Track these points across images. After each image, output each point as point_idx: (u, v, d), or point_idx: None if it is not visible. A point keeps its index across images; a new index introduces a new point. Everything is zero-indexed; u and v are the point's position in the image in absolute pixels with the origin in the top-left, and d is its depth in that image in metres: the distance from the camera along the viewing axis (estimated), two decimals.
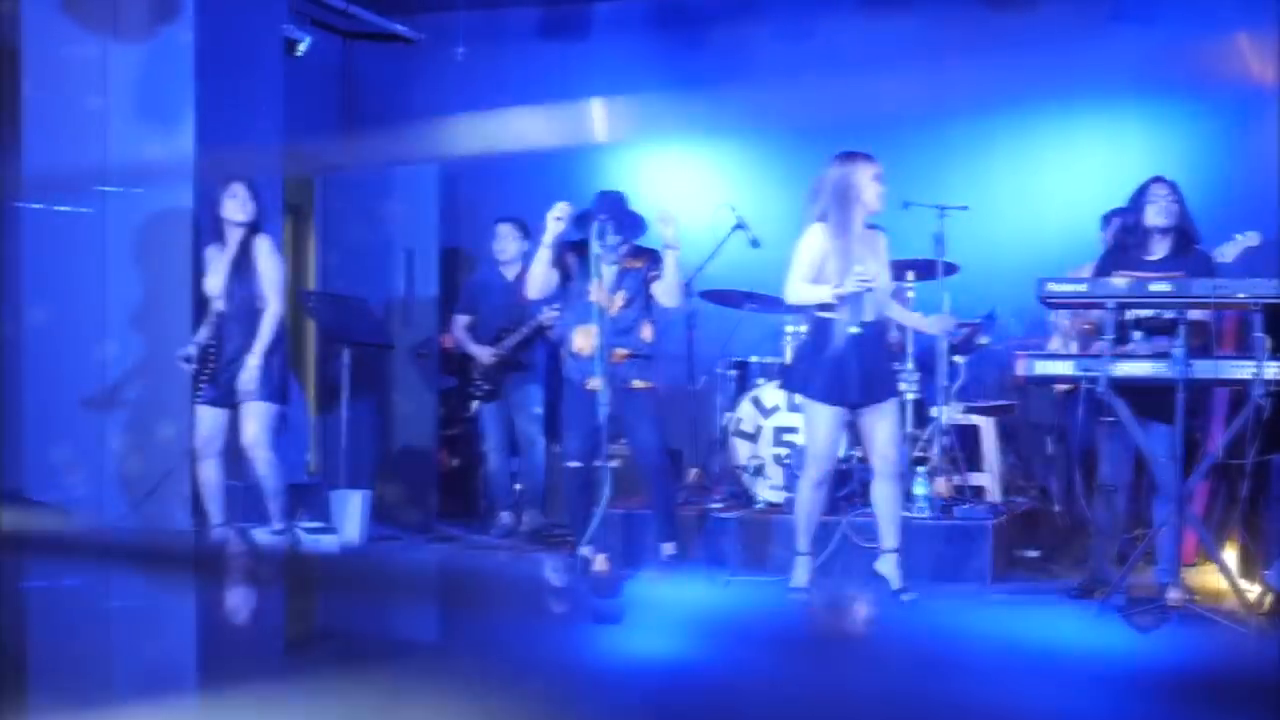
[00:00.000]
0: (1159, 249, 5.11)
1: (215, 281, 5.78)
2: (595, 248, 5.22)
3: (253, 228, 5.79)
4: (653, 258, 5.43)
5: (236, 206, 5.75)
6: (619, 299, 5.36)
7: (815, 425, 5.09)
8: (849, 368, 4.99)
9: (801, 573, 5.14)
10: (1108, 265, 5.17)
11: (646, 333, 5.47)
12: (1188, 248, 5.10)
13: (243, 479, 6.00)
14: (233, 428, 5.81)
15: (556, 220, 5.24)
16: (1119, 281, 4.88)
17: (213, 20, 6.32)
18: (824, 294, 4.99)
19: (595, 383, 5.19)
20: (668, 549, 5.42)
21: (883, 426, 5.05)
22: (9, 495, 6.39)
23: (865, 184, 5.02)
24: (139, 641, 4.52)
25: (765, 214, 6.99)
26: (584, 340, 5.34)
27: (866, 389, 5.01)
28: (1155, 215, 5.06)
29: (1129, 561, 5.09)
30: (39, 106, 6.41)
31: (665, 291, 5.38)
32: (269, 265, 5.77)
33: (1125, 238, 5.19)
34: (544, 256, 5.30)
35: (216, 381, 5.75)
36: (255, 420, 5.70)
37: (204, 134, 6.24)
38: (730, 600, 5.46)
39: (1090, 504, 6.27)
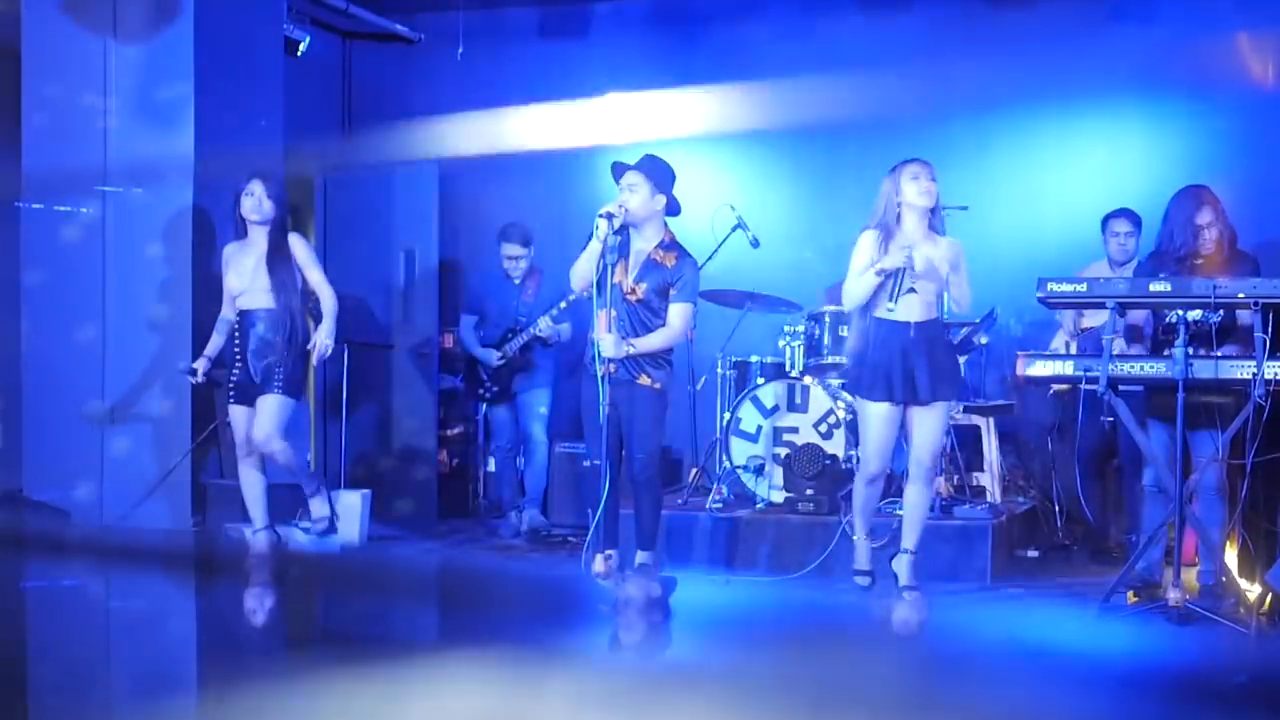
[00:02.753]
0: (1207, 259, 5.08)
1: (240, 281, 5.72)
2: (606, 231, 5.05)
3: (280, 226, 5.74)
4: (680, 266, 5.22)
5: (252, 205, 5.69)
6: (640, 289, 5.24)
7: (866, 423, 5.20)
8: (898, 365, 5.06)
9: (862, 556, 5.35)
10: (1151, 267, 5.16)
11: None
12: (1235, 253, 5.10)
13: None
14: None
15: (607, 217, 5.04)
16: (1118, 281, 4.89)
17: (213, 20, 6.32)
18: (869, 276, 5.03)
19: (610, 366, 5.12)
20: (642, 558, 5.29)
21: (922, 429, 5.12)
22: (9, 495, 6.39)
23: (905, 183, 5.08)
24: (139, 642, 4.52)
25: (765, 214, 7.00)
26: (603, 323, 5.10)
27: (912, 388, 5.06)
28: (1206, 246, 5.06)
29: (1130, 561, 5.09)
30: (39, 106, 6.41)
31: (661, 332, 5.24)
32: (310, 260, 5.78)
33: (1173, 266, 5.10)
34: (593, 252, 5.09)
35: (248, 378, 5.69)
36: (269, 413, 5.66)
37: (204, 134, 6.24)
38: (730, 600, 5.46)
39: (1090, 503, 6.30)
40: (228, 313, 5.81)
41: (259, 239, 5.72)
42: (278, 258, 5.70)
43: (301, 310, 5.77)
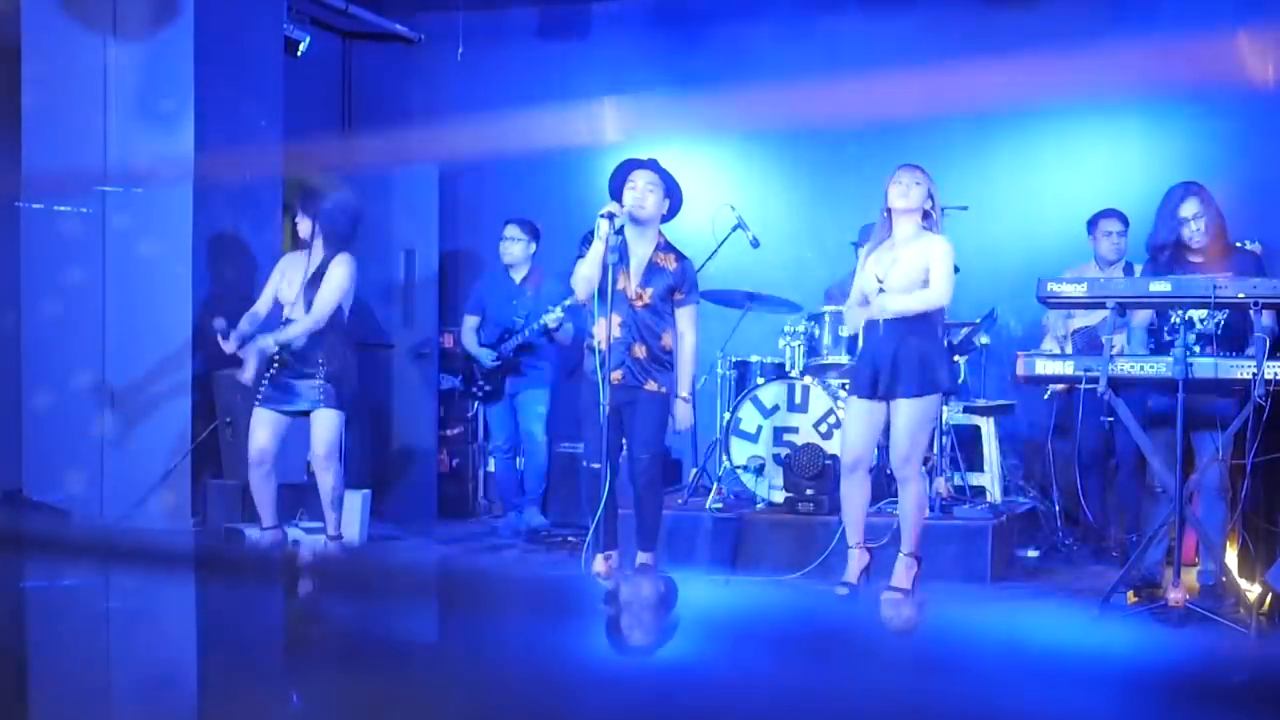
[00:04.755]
0: (1198, 254, 5.10)
1: (290, 290, 5.65)
2: (608, 231, 5.03)
3: (325, 249, 5.66)
4: (682, 268, 5.26)
5: (307, 227, 5.69)
6: (647, 294, 5.22)
7: (845, 417, 5.33)
8: (868, 364, 5.13)
9: (851, 566, 5.23)
10: (1150, 268, 5.17)
11: (667, 339, 5.26)
12: (1228, 247, 5.10)
13: (240, 479, 6.00)
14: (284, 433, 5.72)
15: (609, 217, 5.02)
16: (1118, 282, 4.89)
17: (213, 20, 6.32)
18: (853, 314, 5.28)
19: (615, 374, 5.14)
20: (643, 558, 5.32)
21: (893, 426, 5.10)
22: (9, 495, 6.39)
23: (889, 188, 5.15)
24: (138, 641, 4.52)
25: (765, 214, 7.01)
26: (606, 331, 5.09)
27: (873, 383, 5.09)
28: (1192, 237, 5.06)
29: (1130, 561, 5.09)
30: (39, 106, 6.41)
31: (686, 353, 5.33)
32: (327, 286, 5.60)
33: (1160, 255, 5.14)
34: (596, 255, 5.05)
35: (281, 388, 5.59)
36: (324, 429, 5.59)
37: (204, 134, 6.24)
38: (730, 600, 5.45)
39: (1090, 503, 6.29)
40: (261, 308, 5.72)
41: (315, 256, 5.68)
42: (318, 274, 5.64)
43: (338, 323, 5.67)
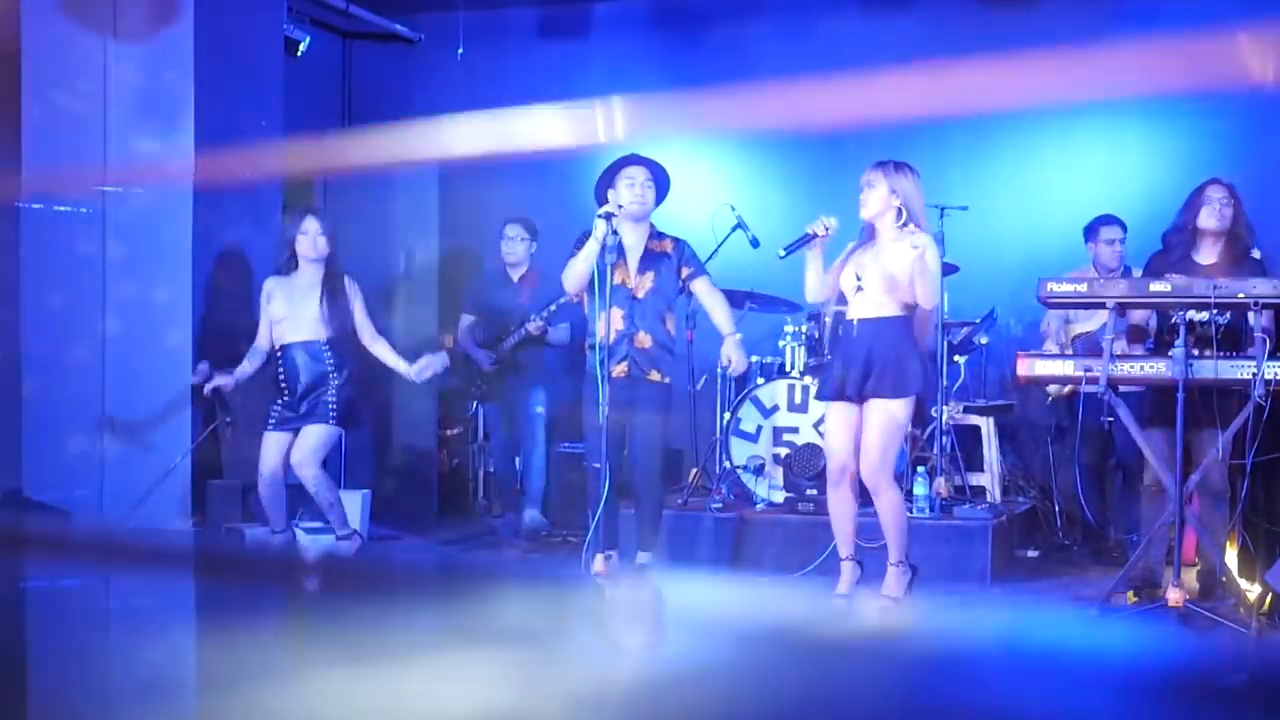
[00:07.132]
0: (1210, 253, 5.09)
1: (286, 310, 5.69)
2: (605, 231, 5.06)
3: (334, 260, 5.72)
4: (679, 247, 5.41)
5: (309, 244, 5.67)
6: (648, 280, 5.28)
7: (827, 422, 5.13)
8: (840, 362, 4.98)
9: (843, 578, 5.07)
10: (1155, 268, 5.14)
11: (670, 324, 5.38)
12: (1241, 254, 5.08)
13: (240, 479, 6.00)
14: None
15: (606, 218, 5.07)
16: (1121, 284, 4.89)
17: (213, 20, 6.32)
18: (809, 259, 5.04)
19: (621, 368, 5.17)
20: (643, 558, 5.35)
21: (864, 428, 4.95)
22: (9, 495, 6.38)
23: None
24: (138, 641, 4.51)
25: (765, 214, 7.00)
26: (606, 328, 5.13)
27: (845, 384, 4.93)
28: (1208, 218, 5.05)
29: (1130, 561, 5.09)
30: (39, 106, 6.41)
31: (717, 308, 5.44)
32: (361, 306, 5.77)
33: (1174, 238, 5.15)
34: (590, 254, 5.10)
35: (292, 408, 5.65)
36: (309, 441, 5.63)
37: (204, 134, 6.23)
38: (729, 600, 5.45)
39: (1090, 503, 6.29)
40: (262, 342, 5.77)
41: (310, 274, 5.71)
42: (333, 291, 5.69)
43: (351, 343, 5.75)
